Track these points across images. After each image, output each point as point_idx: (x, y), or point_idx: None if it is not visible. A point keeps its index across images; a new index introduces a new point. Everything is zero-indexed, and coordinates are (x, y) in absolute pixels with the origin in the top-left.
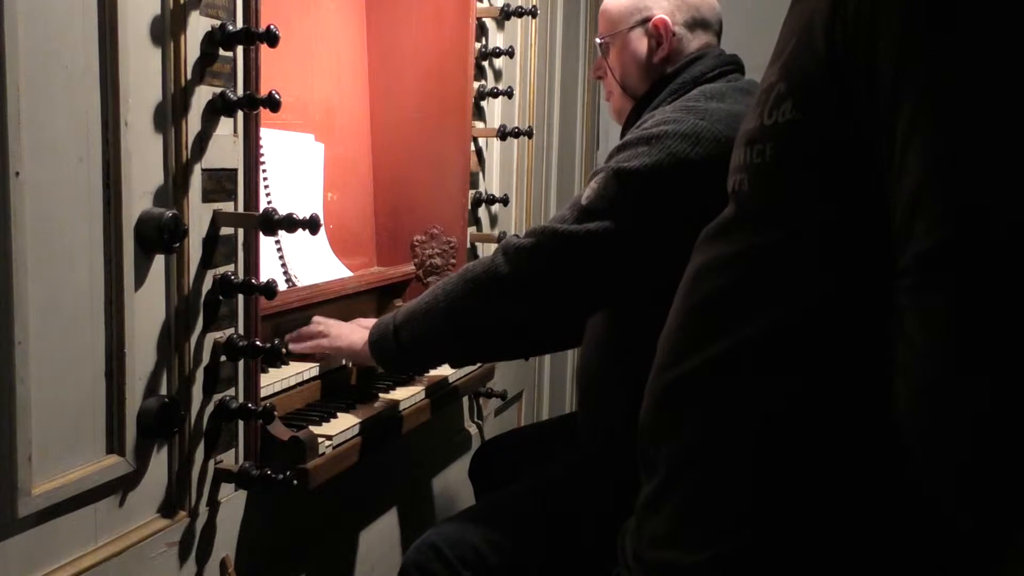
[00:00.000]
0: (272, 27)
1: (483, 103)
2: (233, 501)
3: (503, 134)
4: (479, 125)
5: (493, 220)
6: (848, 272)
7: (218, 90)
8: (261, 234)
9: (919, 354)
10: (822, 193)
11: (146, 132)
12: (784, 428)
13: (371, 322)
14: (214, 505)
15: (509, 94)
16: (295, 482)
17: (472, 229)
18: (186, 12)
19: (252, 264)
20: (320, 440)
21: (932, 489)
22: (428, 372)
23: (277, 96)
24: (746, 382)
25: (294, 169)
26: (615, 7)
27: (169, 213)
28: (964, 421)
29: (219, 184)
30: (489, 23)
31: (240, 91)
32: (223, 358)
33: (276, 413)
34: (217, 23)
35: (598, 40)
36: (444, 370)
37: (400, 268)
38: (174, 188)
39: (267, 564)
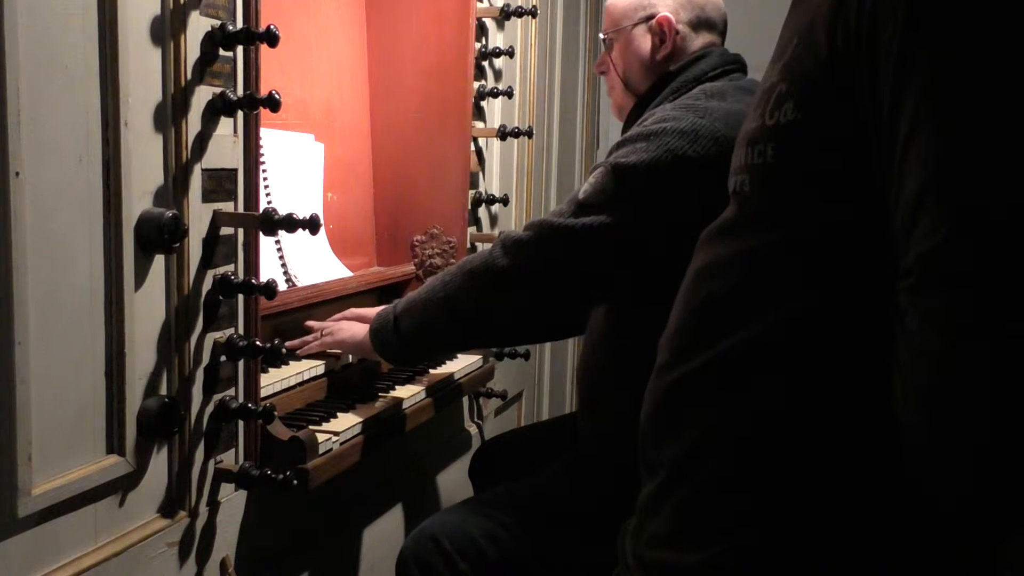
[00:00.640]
0: (272, 27)
1: (483, 103)
2: (233, 501)
3: (503, 134)
4: (479, 125)
5: (493, 220)
6: (849, 273)
7: (218, 90)
8: (261, 234)
9: (919, 354)
10: (823, 194)
11: (146, 132)
12: (784, 428)
13: (373, 312)
14: (214, 505)
15: (509, 94)
16: (295, 482)
17: (472, 229)
18: (186, 12)
19: (252, 264)
20: (320, 440)
21: (932, 488)
22: (427, 364)
23: (277, 96)
24: (746, 383)
25: (294, 169)
26: (620, 3)
27: (169, 213)
28: (964, 421)
29: (219, 184)
30: (489, 23)
31: (240, 91)
32: (223, 358)
33: (276, 413)
34: (217, 23)
35: (602, 35)
36: (448, 367)
37: (400, 268)
38: (174, 188)
39: (267, 564)
